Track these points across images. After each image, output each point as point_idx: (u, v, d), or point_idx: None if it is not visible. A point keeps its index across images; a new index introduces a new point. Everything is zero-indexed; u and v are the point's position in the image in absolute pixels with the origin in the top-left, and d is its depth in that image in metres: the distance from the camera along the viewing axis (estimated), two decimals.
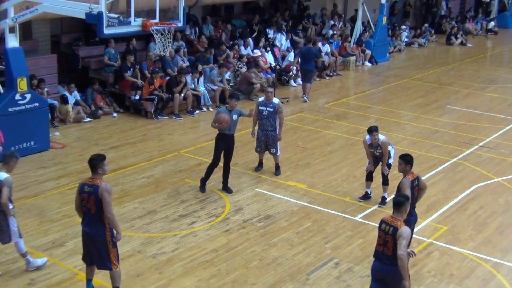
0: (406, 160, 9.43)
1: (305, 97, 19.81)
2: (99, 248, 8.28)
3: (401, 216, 7.79)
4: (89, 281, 8.68)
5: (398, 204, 7.85)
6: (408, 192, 9.01)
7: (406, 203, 7.89)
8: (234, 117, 12.21)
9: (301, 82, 21.07)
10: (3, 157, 9.11)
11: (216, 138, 12.39)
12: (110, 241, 8.27)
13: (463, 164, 14.74)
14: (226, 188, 12.52)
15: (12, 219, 9.05)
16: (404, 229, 7.63)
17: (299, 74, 21.46)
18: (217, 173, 12.54)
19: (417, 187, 9.36)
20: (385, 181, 12.09)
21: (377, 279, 7.95)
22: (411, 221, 9.18)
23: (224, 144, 12.29)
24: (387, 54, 27.05)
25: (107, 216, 8.15)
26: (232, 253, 10.17)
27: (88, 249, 8.43)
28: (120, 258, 8.53)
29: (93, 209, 8.18)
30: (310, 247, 10.52)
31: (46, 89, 15.92)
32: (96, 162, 8.28)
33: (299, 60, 20.50)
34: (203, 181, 12.47)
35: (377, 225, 11.16)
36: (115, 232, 8.33)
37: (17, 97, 13.64)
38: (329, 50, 23.42)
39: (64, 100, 16.41)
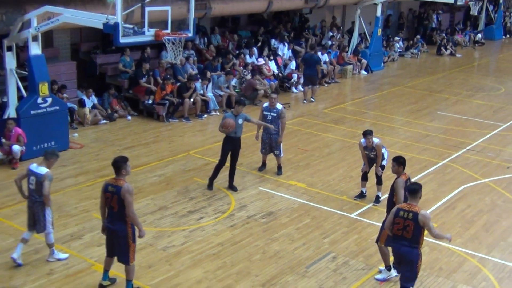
0: (399, 162, 9.42)
1: (312, 99, 20.20)
2: (120, 243, 8.29)
3: (416, 202, 8.13)
4: (106, 271, 8.70)
5: (413, 191, 8.16)
6: (402, 191, 9.01)
7: (420, 190, 8.22)
8: (240, 121, 12.21)
9: (302, 89, 21.11)
10: (45, 154, 9.23)
11: (223, 141, 12.38)
12: (131, 236, 8.28)
13: (451, 166, 14.71)
14: (231, 187, 12.51)
15: (49, 210, 9.15)
16: (425, 213, 8.05)
17: (300, 81, 21.53)
18: (223, 173, 12.53)
19: None
20: (379, 181, 12.08)
21: (397, 261, 8.46)
22: None
23: (231, 146, 12.28)
24: (382, 63, 26.99)
25: (128, 215, 8.16)
26: (236, 247, 10.17)
27: (110, 243, 8.47)
28: None
29: (115, 208, 8.19)
30: (309, 242, 10.50)
31: (65, 95, 15.94)
32: (120, 164, 8.30)
33: (303, 66, 20.65)
34: (211, 180, 12.46)
35: (372, 222, 11.26)
36: (137, 230, 8.31)
37: (39, 100, 13.66)
38: (327, 59, 23.41)
39: (82, 103, 16.42)
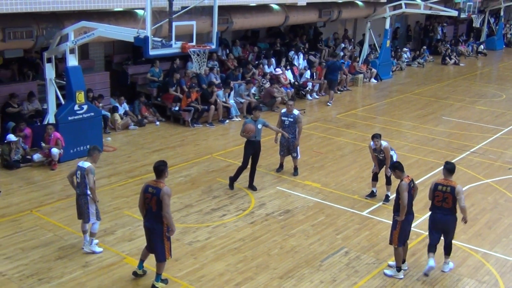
0: (394, 166, 9.30)
1: (328, 103, 20.54)
2: (156, 241, 8.28)
3: (451, 177, 8.99)
4: (141, 261, 8.72)
5: (450, 170, 9.03)
6: (405, 194, 8.87)
7: (455, 168, 9.08)
8: (259, 126, 12.17)
9: (316, 96, 21.32)
10: (88, 150, 9.38)
11: (245, 145, 12.34)
12: (166, 234, 8.25)
13: (456, 167, 14.47)
14: (251, 186, 12.48)
15: (91, 203, 9.21)
16: (460, 187, 8.92)
17: (315, 88, 21.56)
18: (244, 173, 12.49)
19: (414, 188, 9.19)
20: (388, 182, 11.97)
21: (437, 229, 9.06)
22: (409, 219, 9.07)
23: (252, 149, 12.24)
24: (390, 72, 26.81)
25: (164, 215, 8.11)
26: (256, 242, 10.13)
27: (148, 240, 8.46)
28: None
29: (154, 208, 8.14)
30: (323, 237, 10.43)
31: (100, 104, 16.04)
32: (163, 168, 8.25)
33: (326, 72, 21.13)
34: (232, 180, 12.43)
35: (382, 219, 11.16)
36: (170, 228, 8.28)
37: (76, 107, 13.76)
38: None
39: (114, 110, 16.51)
